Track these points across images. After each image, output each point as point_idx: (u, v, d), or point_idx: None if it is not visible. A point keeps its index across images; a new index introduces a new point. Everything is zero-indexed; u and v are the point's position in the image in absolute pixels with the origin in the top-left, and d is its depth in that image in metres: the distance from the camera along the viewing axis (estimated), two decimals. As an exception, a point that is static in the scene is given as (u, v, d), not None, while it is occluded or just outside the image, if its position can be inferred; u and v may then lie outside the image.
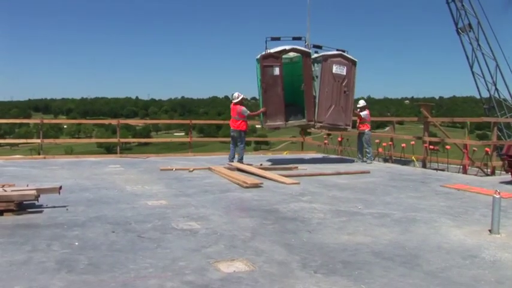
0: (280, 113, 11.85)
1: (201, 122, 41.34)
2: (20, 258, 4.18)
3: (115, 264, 4.04)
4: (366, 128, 13.02)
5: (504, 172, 10.46)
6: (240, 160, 11.61)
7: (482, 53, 22.42)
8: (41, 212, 6.11)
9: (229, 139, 12.29)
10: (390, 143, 13.66)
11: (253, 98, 33.02)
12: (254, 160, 12.84)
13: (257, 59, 11.93)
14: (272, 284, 3.65)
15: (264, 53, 11.64)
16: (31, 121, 42.44)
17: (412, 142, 13.14)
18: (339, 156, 15.15)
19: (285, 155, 16.68)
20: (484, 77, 22.68)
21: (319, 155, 15.82)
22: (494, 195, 5.25)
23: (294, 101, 12.34)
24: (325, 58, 12.03)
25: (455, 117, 26.33)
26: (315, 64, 12.25)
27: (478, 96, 24.49)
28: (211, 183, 8.94)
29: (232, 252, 4.48)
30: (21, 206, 6.02)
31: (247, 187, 8.33)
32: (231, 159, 11.83)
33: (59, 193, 6.53)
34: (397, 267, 4.13)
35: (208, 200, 7.16)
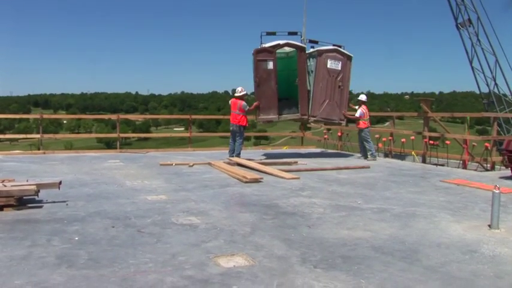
0: (274, 107, 11.88)
1: (200, 117, 41.38)
2: (20, 253, 4.19)
3: (115, 259, 4.04)
4: (363, 126, 12.65)
5: (504, 167, 10.44)
6: (237, 155, 11.61)
7: (482, 48, 22.42)
8: (40, 207, 6.11)
9: (228, 134, 12.30)
10: (390, 138, 13.63)
11: (253, 93, 32.93)
12: (254, 155, 12.85)
13: (253, 54, 11.91)
14: (272, 278, 3.65)
15: (258, 47, 11.64)
16: (31, 116, 42.69)
17: (412, 137, 13.13)
18: (339, 151, 15.16)
19: (285, 149, 16.70)
20: (483, 72, 22.70)
21: (319, 150, 15.84)
22: (494, 190, 5.25)
23: (290, 95, 12.34)
24: (320, 53, 12.02)
25: (455, 112, 26.37)
26: (310, 59, 12.24)
27: (477, 92, 24.53)
28: (211, 178, 8.95)
29: (232, 247, 4.49)
30: (21, 201, 6.02)
31: (247, 182, 8.33)
32: (231, 154, 11.83)
33: (59, 188, 6.54)
34: (396, 262, 4.14)
35: (208, 195, 7.17)
